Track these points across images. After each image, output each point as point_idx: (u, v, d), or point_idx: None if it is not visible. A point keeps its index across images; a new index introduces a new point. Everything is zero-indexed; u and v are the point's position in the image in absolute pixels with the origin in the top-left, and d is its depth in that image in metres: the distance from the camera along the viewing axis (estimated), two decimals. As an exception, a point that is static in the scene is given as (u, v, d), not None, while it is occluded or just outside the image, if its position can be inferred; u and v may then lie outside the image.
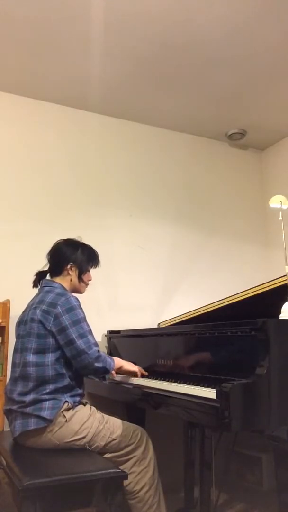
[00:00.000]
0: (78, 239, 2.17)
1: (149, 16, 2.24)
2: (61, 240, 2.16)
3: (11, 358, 2.03)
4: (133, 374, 2.12)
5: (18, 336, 2.01)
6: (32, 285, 2.13)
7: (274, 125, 3.32)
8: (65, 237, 2.19)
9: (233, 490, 2.53)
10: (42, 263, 2.75)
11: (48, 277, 2.13)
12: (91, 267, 2.16)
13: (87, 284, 2.16)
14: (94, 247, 2.21)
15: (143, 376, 2.15)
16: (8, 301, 2.47)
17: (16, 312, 2.52)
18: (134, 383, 2.10)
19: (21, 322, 2.02)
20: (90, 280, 2.17)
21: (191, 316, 2.51)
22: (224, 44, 2.44)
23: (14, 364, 1.98)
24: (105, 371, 1.93)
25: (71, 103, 3.02)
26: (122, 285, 2.99)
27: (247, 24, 2.29)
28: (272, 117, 3.19)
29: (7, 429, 2.10)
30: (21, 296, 2.31)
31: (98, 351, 1.90)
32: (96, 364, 1.88)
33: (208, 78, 2.75)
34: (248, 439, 2.53)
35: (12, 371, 1.98)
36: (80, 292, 2.14)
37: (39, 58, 2.56)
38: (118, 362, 2.06)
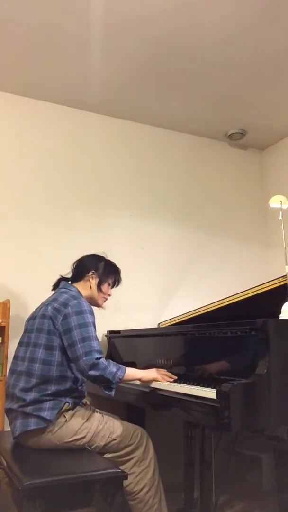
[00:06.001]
0: (103, 255, 2.19)
1: (149, 16, 2.24)
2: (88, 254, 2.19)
3: (13, 353, 2.01)
4: (155, 380, 1.96)
5: (25, 331, 2.01)
6: (51, 288, 2.12)
7: (274, 125, 3.32)
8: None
9: (233, 490, 2.53)
10: (43, 263, 2.75)
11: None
12: (112, 282, 2.18)
13: (105, 297, 2.16)
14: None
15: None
16: (8, 301, 2.47)
17: (16, 312, 2.53)
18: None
19: (31, 318, 2.02)
20: (109, 294, 2.17)
21: (191, 316, 2.50)
22: (224, 44, 2.43)
23: (17, 357, 1.96)
24: (106, 381, 1.79)
25: (71, 103, 3.01)
26: (122, 285, 2.98)
27: (247, 24, 2.29)
28: (272, 117, 3.19)
29: (7, 429, 2.10)
30: (21, 296, 2.31)
31: (99, 358, 1.78)
32: (91, 372, 1.77)
33: (208, 78, 2.74)
34: (248, 439, 2.53)
35: (14, 364, 1.96)
36: (97, 304, 2.14)
37: (39, 58, 2.56)
38: (132, 373, 1.91)
